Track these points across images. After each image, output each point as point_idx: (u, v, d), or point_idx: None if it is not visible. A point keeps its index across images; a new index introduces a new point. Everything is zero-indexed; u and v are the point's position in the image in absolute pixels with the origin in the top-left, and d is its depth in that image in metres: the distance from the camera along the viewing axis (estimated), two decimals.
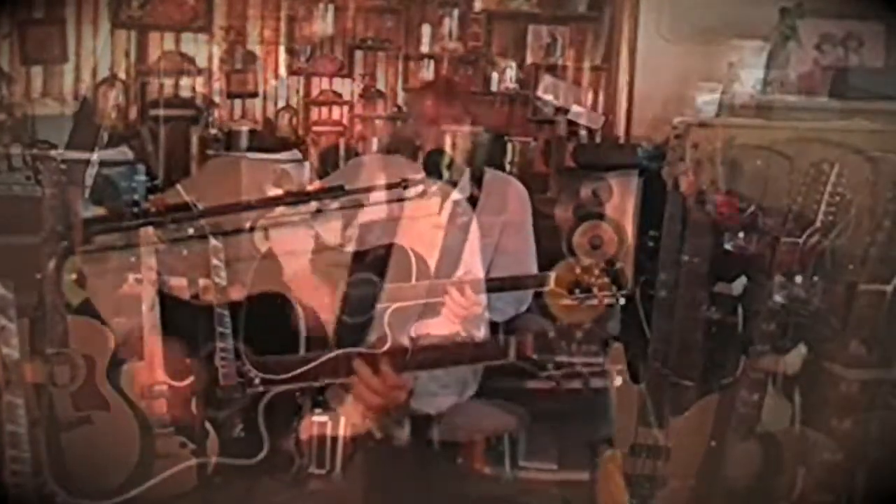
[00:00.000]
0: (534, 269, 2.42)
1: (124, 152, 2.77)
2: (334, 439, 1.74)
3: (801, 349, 2.05)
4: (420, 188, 2.05)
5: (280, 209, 1.88)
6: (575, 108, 4.19)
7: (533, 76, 4.29)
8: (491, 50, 4.34)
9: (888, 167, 2.02)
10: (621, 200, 3.40)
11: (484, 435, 2.64)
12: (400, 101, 4.27)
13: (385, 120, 4.17)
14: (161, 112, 3.81)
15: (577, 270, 1.95)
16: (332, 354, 1.65)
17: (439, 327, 2.05)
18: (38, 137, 3.49)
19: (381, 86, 4.28)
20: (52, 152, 1.88)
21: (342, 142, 4.16)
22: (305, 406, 1.72)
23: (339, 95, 4.25)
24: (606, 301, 1.93)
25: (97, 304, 1.77)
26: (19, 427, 1.61)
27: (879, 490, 2.01)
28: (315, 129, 4.18)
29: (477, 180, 2.40)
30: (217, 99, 4.08)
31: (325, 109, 4.24)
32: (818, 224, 1.95)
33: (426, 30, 4.25)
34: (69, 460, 1.67)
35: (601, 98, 4.31)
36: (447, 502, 2.37)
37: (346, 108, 4.24)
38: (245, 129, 3.95)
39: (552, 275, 2.00)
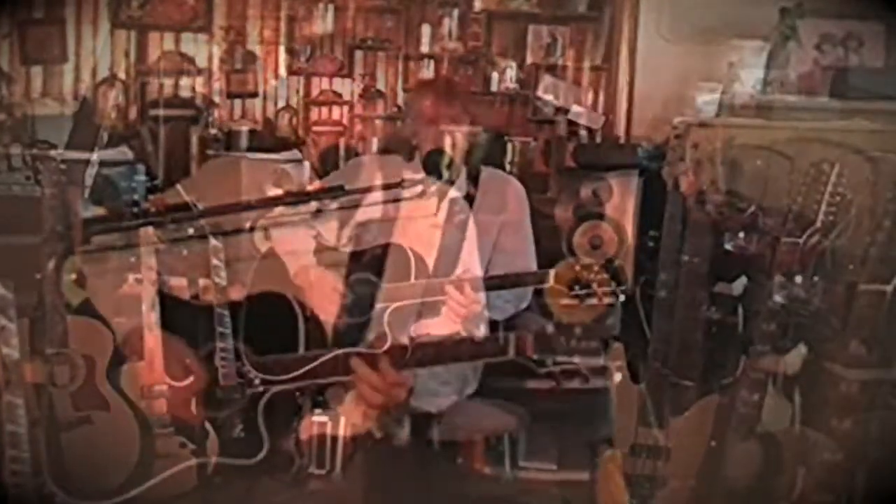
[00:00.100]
0: (533, 268, 2.42)
1: (124, 152, 2.77)
2: (334, 439, 1.74)
3: (801, 349, 2.05)
4: (419, 188, 2.05)
5: (280, 209, 1.88)
6: (575, 108, 4.19)
7: (533, 76, 4.29)
8: (491, 50, 4.33)
9: (888, 167, 2.02)
10: (621, 200, 3.41)
11: (484, 435, 2.63)
12: (400, 101, 4.27)
13: (385, 120, 4.17)
14: (161, 112, 3.81)
15: (577, 267, 1.95)
16: (331, 354, 1.65)
17: (439, 327, 2.05)
18: (38, 137, 3.49)
19: (381, 86, 4.28)
20: (52, 152, 1.88)
21: (342, 142, 4.16)
22: (305, 406, 1.72)
23: (339, 95, 4.25)
24: (606, 300, 1.93)
25: (97, 304, 1.77)
26: (19, 427, 1.61)
27: (879, 490, 2.01)
28: (315, 129, 4.18)
29: (473, 179, 2.40)
30: (217, 99, 4.08)
31: (325, 109, 4.24)
32: (818, 224, 1.95)
33: (426, 30, 4.24)
34: (69, 460, 1.67)
35: (601, 98, 4.31)
36: (447, 502, 2.37)
37: (346, 108, 4.24)
38: (245, 129, 3.95)
39: (552, 272, 2.00)
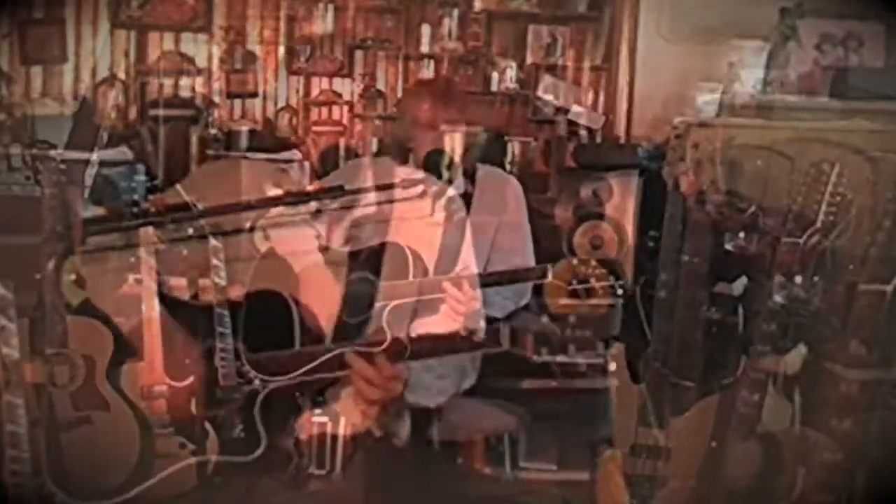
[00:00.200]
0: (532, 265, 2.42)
1: (124, 152, 2.77)
2: (334, 439, 1.74)
3: (802, 349, 2.05)
4: (420, 188, 2.05)
5: (280, 209, 1.88)
6: (575, 108, 4.18)
7: (533, 76, 4.28)
8: (491, 50, 4.33)
9: (888, 167, 2.02)
10: (621, 200, 3.41)
11: (484, 435, 2.64)
12: None
13: (385, 120, 4.17)
14: (161, 112, 3.81)
15: (574, 262, 1.96)
16: (330, 354, 1.65)
17: (439, 325, 2.05)
18: (38, 137, 3.49)
19: (381, 86, 4.27)
20: (52, 152, 1.88)
21: (342, 142, 4.16)
22: (305, 406, 1.72)
23: (339, 95, 4.24)
24: (605, 299, 1.93)
25: (97, 304, 1.77)
26: (19, 427, 1.61)
27: (879, 490, 2.01)
28: (315, 129, 4.18)
29: (470, 177, 2.40)
30: (217, 99, 4.08)
31: (324, 109, 4.24)
32: (819, 224, 1.95)
33: (426, 30, 4.24)
34: (69, 460, 1.67)
35: (601, 98, 4.31)
36: (447, 502, 2.37)
37: (346, 108, 4.24)
38: (245, 129, 3.95)
39: (550, 266, 2.00)
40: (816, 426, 2.05)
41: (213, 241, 1.70)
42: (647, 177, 3.22)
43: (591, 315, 1.72)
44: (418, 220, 2.13)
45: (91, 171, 2.37)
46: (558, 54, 4.32)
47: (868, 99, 2.96)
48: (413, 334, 1.69)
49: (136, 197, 1.80)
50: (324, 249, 2.03)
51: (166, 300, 1.73)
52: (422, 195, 2.06)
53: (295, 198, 1.89)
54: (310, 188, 2.08)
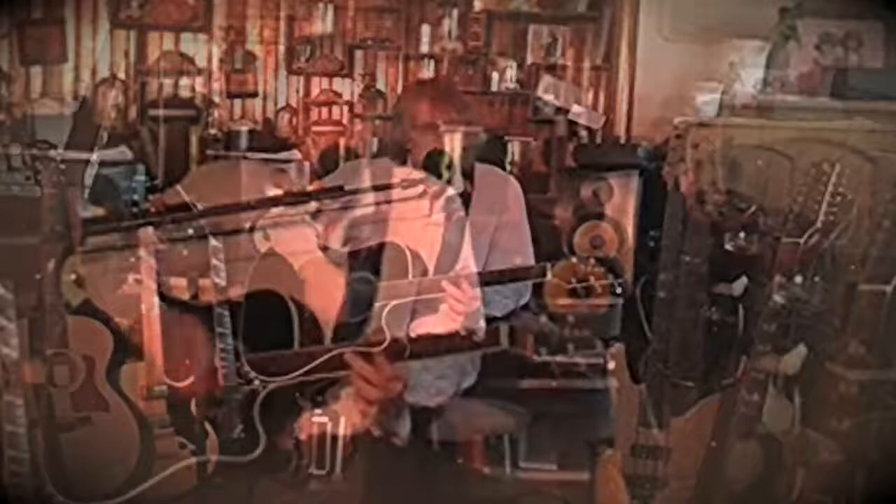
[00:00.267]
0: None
1: (124, 152, 2.77)
2: (334, 439, 1.74)
3: (802, 349, 2.05)
4: (420, 188, 2.05)
5: (280, 209, 1.88)
6: (575, 108, 4.18)
7: (533, 76, 4.28)
8: (491, 50, 4.33)
9: (888, 167, 2.02)
10: (621, 200, 3.41)
11: (483, 435, 2.63)
12: None
13: (385, 120, 4.16)
14: (161, 112, 3.81)
15: (573, 260, 1.96)
16: (330, 355, 1.64)
17: (438, 324, 2.05)
18: (38, 137, 3.49)
19: (381, 86, 4.27)
20: (52, 152, 1.87)
21: (342, 142, 4.16)
22: (305, 406, 1.72)
23: (339, 95, 4.24)
24: (604, 299, 1.93)
25: (97, 304, 1.77)
26: (18, 427, 1.61)
27: (879, 490, 2.01)
28: (315, 129, 4.18)
29: (468, 176, 2.39)
30: (217, 99, 4.08)
31: (324, 109, 4.24)
32: (819, 224, 1.95)
33: (426, 30, 4.24)
34: (69, 461, 1.67)
35: (601, 98, 4.31)
36: (447, 502, 2.37)
37: (345, 108, 4.24)
38: (245, 129, 3.95)
39: (549, 265, 2.00)
40: (816, 426, 2.05)
41: (213, 242, 1.70)
42: (647, 177, 3.22)
43: (590, 314, 1.72)
44: (417, 220, 2.13)
45: (91, 172, 2.37)
46: (558, 54, 4.32)
47: (868, 99, 2.96)
48: (412, 334, 1.69)
49: (135, 197, 1.80)
50: (323, 249, 2.03)
51: (166, 300, 1.73)
52: (421, 195, 2.06)
53: (294, 198, 1.89)
54: (309, 188, 2.08)
